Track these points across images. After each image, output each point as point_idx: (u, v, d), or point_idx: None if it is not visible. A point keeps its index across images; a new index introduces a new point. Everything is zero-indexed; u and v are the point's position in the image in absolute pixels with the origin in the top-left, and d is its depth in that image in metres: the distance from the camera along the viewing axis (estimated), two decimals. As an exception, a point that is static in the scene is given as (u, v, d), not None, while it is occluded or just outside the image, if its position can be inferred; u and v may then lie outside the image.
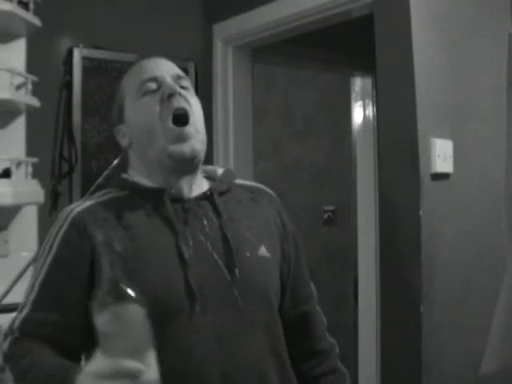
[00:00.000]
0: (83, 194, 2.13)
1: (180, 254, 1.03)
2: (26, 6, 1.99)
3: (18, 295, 1.82)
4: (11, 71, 1.97)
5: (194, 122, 1.10)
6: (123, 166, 1.22)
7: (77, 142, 2.32)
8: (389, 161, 1.90)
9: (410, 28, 1.78)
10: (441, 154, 1.82)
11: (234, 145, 2.62)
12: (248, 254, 1.10)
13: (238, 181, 1.23)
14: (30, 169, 2.05)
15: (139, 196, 1.11)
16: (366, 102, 3.28)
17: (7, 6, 1.88)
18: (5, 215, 2.07)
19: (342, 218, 3.84)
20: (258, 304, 1.08)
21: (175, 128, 1.08)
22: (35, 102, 2.05)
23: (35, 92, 2.07)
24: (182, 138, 1.08)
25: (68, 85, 2.32)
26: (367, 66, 3.02)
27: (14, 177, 1.97)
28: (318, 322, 1.24)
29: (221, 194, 1.15)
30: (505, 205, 2.05)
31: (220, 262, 1.06)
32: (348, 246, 3.53)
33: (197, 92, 1.21)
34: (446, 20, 1.90)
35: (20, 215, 2.10)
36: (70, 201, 2.29)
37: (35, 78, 2.07)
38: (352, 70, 3.27)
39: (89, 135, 2.36)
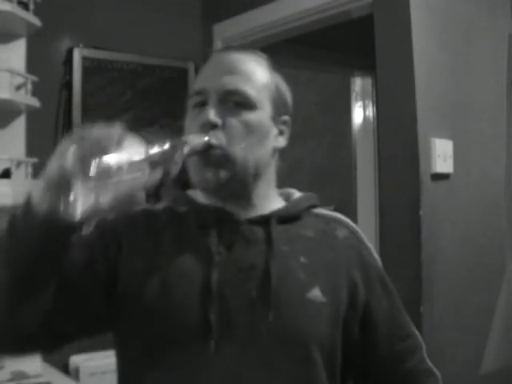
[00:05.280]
0: (83, 194, 2.13)
1: (208, 287, 0.92)
2: (26, 6, 1.99)
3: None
4: (11, 71, 1.97)
5: (222, 148, 0.95)
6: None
7: (77, 142, 2.32)
8: (389, 161, 1.90)
9: (410, 28, 1.78)
10: (441, 154, 1.81)
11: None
12: (292, 296, 0.94)
13: (318, 210, 1.11)
14: (29, 169, 2.05)
15: (192, 211, 1.01)
16: (366, 102, 3.29)
17: (7, 6, 1.88)
18: (5, 215, 2.06)
19: (342, 218, 3.83)
20: (289, 354, 0.92)
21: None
22: (35, 102, 2.05)
23: (35, 92, 2.07)
24: (201, 165, 0.95)
25: (68, 85, 2.32)
26: (367, 66, 3.03)
27: (13, 177, 1.97)
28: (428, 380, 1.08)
29: (284, 221, 1.00)
30: (505, 205, 2.05)
31: (256, 301, 0.92)
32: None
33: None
34: (446, 20, 1.90)
35: (20, 215, 2.10)
36: (70, 201, 2.29)
37: (35, 78, 2.07)
38: (352, 69, 3.28)
39: (89, 135, 2.36)
